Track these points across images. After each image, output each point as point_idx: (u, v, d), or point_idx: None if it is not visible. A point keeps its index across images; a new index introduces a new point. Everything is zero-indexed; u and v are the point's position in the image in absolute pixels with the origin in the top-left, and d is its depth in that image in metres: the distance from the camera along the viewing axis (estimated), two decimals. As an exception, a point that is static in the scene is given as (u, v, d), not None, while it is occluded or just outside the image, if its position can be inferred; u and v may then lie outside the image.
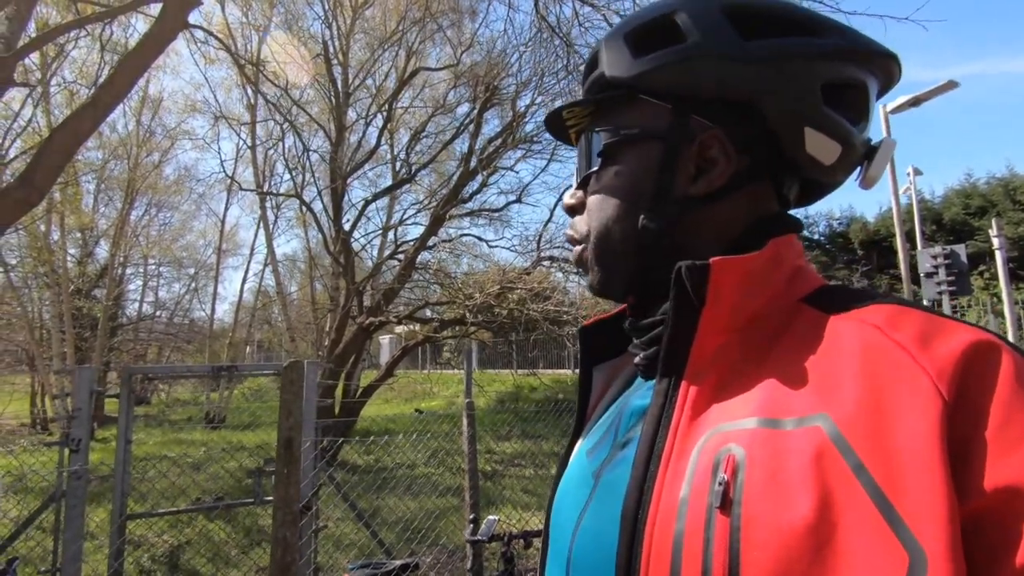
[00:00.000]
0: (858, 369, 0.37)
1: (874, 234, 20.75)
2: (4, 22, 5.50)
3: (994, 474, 0.31)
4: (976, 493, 0.32)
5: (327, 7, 10.21)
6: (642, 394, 0.50)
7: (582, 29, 6.17)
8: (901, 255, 8.77)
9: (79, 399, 2.80)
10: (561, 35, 6.11)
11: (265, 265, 15.77)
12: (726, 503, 0.36)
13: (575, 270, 8.37)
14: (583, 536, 0.46)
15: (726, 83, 0.48)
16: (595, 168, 0.53)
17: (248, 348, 19.36)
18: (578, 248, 0.55)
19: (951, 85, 6.77)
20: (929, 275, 8.03)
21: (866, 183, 0.53)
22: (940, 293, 7.88)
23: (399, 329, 12.51)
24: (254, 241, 17.00)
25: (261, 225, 13.74)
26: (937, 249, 8.19)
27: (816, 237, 22.33)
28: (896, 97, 7.36)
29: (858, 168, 0.52)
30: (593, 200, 0.53)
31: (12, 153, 10.35)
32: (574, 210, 0.56)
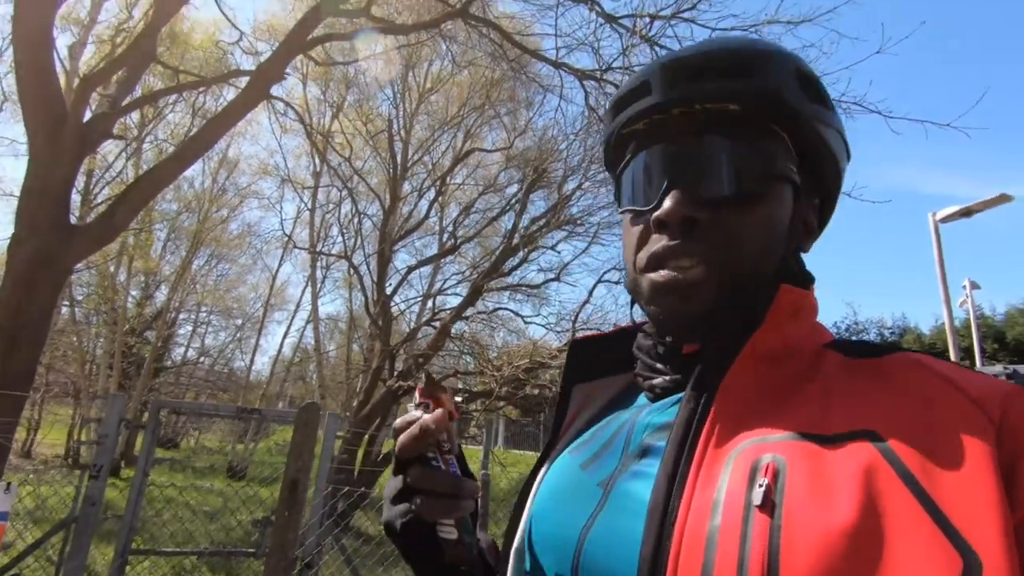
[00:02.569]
0: (905, 393, 0.40)
1: (929, 347, 19.75)
2: (114, 85, 6.25)
3: None
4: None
5: (396, 91, 11.15)
6: (657, 410, 0.50)
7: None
8: (957, 369, 8.23)
9: (107, 426, 2.89)
10: (609, 126, 6.42)
11: (308, 322, 16.27)
12: (767, 503, 0.36)
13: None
14: (594, 544, 0.44)
15: (840, 164, 0.54)
16: (750, 184, 0.48)
17: (280, 403, 19.59)
18: (690, 268, 0.47)
19: (1005, 198, 6.67)
20: (988, 393, 7.48)
21: None
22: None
23: (428, 398, 12.43)
24: (300, 298, 17.64)
25: (309, 283, 14.34)
26: (998, 368, 7.68)
27: (866, 344, 21.37)
28: (947, 206, 7.28)
29: None
30: (735, 224, 0.48)
31: (99, 199, 11.37)
32: (693, 225, 0.48)
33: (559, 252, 10.50)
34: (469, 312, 9.91)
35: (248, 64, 6.30)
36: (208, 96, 11.19)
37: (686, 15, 4.95)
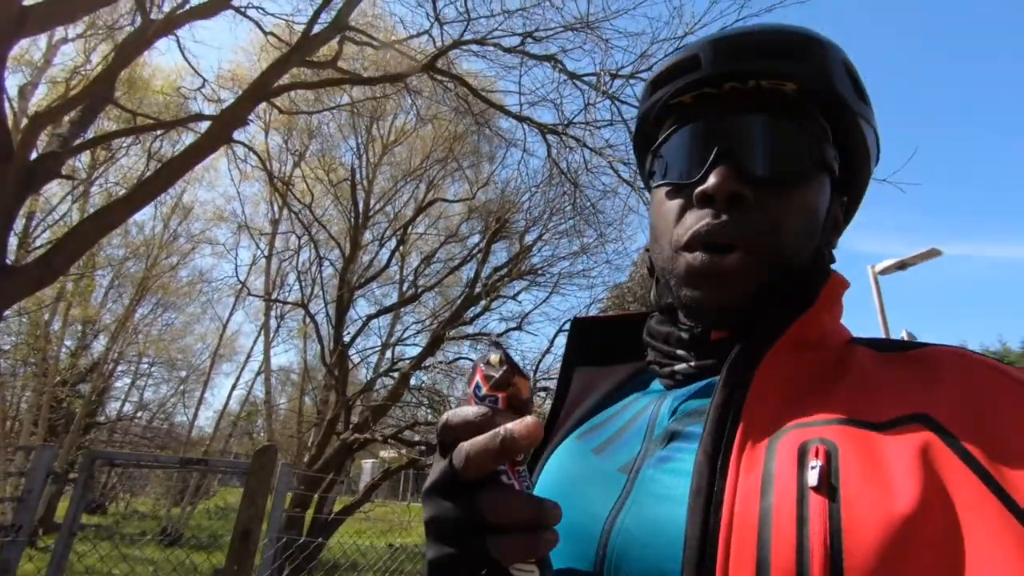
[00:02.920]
0: (953, 379, 0.40)
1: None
2: (66, 125, 6.07)
3: None
4: None
5: (360, 141, 11.26)
6: (682, 396, 0.48)
7: (589, 174, 6.72)
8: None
9: (33, 479, 2.62)
10: (570, 178, 6.64)
11: (259, 373, 15.56)
12: (822, 484, 0.34)
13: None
14: (626, 534, 0.40)
15: (871, 162, 0.54)
16: (782, 173, 0.48)
17: (224, 469, 18.38)
18: (732, 251, 0.46)
19: (934, 253, 7.17)
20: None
21: None
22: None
23: (383, 454, 11.98)
24: (252, 348, 16.91)
25: (262, 333, 13.82)
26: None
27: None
28: (884, 260, 7.76)
29: None
30: (782, 208, 0.47)
31: (39, 243, 10.80)
32: (740, 199, 0.46)
33: (520, 302, 10.58)
34: (429, 362, 9.72)
35: (210, 111, 6.26)
36: (165, 141, 11.01)
37: (644, 75, 5.27)
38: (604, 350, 0.59)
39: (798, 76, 0.48)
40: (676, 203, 0.50)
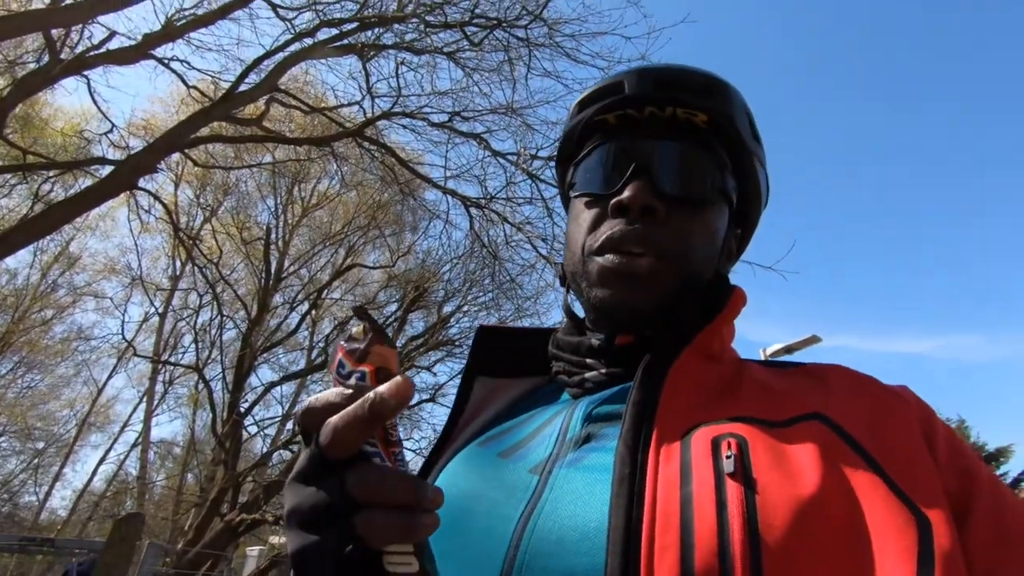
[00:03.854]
0: (838, 385, 0.47)
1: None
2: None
3: (956, 465, 0.42)
4: (945, 474, 0.41)
5: (280, 201, 11.01)
6: (596, 401, 0.49)
7: (510, 249, 6.93)
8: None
9: None
10: (491, 251, 6.80)
11: (134, 445, 13.86)
12: (738, 471, 0.37)
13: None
14: (542, 533, 0.39)
15: (761, 201, 0.60)
16: (706, 190, 0.53)
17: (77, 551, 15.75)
18: (644, 258, 0.49)
19: (815, 339, 7.95)
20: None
21: None
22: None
23: (273, 539, 10.83)
24: (129, 417, 15.03)
25: (144, 399, 12.47)
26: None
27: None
28: (772, 344, 8.45)
29: None
30: (689, 226, 0.52)
31: None
32: (652, 212, 0.50)
33: (435, 373, 10.34)
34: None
35: (116, 158, 5.93)
36: (57, 185, 10.18)
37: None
38: (508, 361, 0.59)
39: (708, 110, 0.53)
40: (592, 212, 0.54)
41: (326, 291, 10.87)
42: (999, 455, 13.25)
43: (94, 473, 14.51)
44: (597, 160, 0.56)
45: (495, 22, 5.54)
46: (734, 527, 0.34)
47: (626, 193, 0.51)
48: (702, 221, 0.53)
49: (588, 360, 0.53)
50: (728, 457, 0.38)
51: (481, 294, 9.81)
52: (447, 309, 10.22)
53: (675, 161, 0.53)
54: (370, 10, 5.98)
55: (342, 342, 0.36)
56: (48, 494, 14.76)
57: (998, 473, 13.05)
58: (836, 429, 0.41)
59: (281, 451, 9.48)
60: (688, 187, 0.53)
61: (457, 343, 10.27)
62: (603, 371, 0.51)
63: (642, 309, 0.50)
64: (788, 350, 8.26)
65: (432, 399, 10.12)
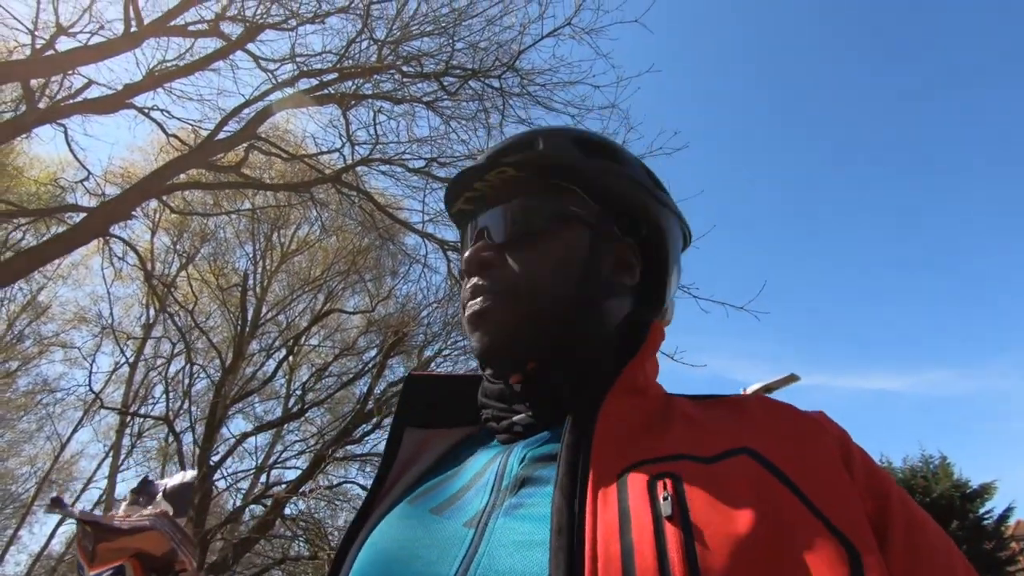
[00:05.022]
0: (763, 417, 0.48)
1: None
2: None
3: (872, 487, 0.43)
4: (864, 498, 0.42)
5: (258, 247, 10.94)
6: (530, 445, 0.49)
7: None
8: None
9: None
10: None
11: (98, 503, 13.15)
12: (675, 514, 0.37)
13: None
14: None
15: (642, 211, 0.60)
16: (530, 228, 0.56)
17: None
18: (488, 300, 0.53)
19: (793, 378, 8.00)
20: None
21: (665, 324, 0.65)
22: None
23: (244, 601, 10.24)
24: (94, 473, 14.31)
25: (111, 454, 11.92)
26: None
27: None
28: (752, 384, 8.47)
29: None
30: (524, 258, 0.55)
31: None
32: (488, 264, 0.55)
33: (415, 420, 10.09)
34: (309, 486, 8.77)
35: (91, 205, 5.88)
36: (30, 234, 10.02)
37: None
38: (439, 411, 0.59)
39: (516, 161, 0.58)
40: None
41: (304, 337, 10.69)
42: (983, 492, 13.23)
43: (52, 534, 13.68)
44: (462, 240, 0.64)
45: (470, 72, 5.73)
46: (676, 574, 0.35)
47: (464, 255, 0.57)
48: (538, 248, 0.55)
49: (515, 405, 0.54)
50: (665, 499, 0.38)
51: (461, 338, 9.73)
52: (427, 353, 10.10)
53: (503, 213, 0.58)
54: (349, 61, 6.14)
55: (76, 544, 0.31)
56: (1, 558, 13.81)
57: (982, 511, 13.02)
58: (764, 463, 0.42)
59: (252, 507, 9.07)
60: (515, 228, 0.56)
61: (438, 388, 10.09)
62: (529, 413, 0.52)
63: (501, 345, 0.53)
64: (767, 389, 8.29)
65: (412, 447, 9.85)
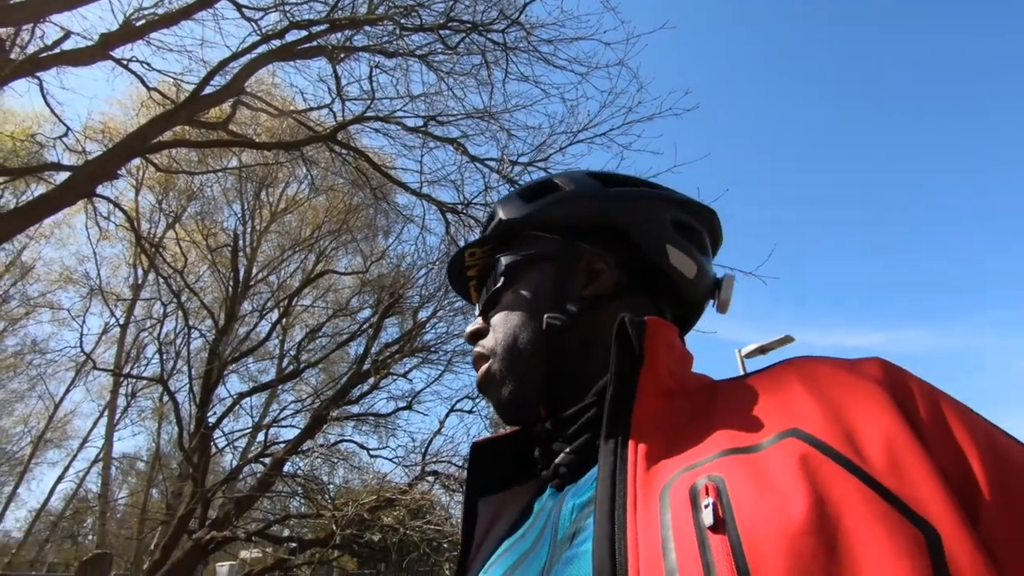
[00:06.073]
0: (806, 388, 0.42)
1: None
2: None
3: (948, 443, 0.37)
4: (938, 455, 0.36)
5: (246, 206, 10.70)
6: (576, 492, 0.49)
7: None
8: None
9: None
10: (467, 256, 6.71)
11: (95, 461, 13.28)
12: (718, 523, 0.35)
13: (455, 487, 7.81)
14: None
15: (596, 216, 0.62)
16: (497, 286, 0.61)
17: (35, 571, 14.98)
18: (485, 365, 0.59)
19: (788, 339, 8.10)
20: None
21: (721, 308, 0.65)
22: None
23: (244, 554, 10.51)
24: (89, 432, 14.33)
25: (106, 413, 11.96)
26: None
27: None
28: (748, 344, 8.59)
29: (712, 296, 0.65)
30: (498, 316, 0.60)
31: None
32: (479, 335, 0.62)
33: (411, 380, 10.19)
34: (307, 445, 8.88)
35: (72, 163, 5.64)
36: (9, 192, 9.68)
37: (540, 164, 5.63)
38: (507, 471, 0.61)
39: (475, 243, 0.66)
40: None
41: (297, 298, 10.60)
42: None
43: (51, 492, 13.85)
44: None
45: (471, 26, 5.47)
46: None
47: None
48: (506, 302, 0.61)
49: (554, 445, 0.55)
50: (707, 506, 0.36)
51: (457, 299, 9.69)
52: (422, 315, 10.07)
53: (484, 288, 0.65)
54: (341, 12, 5.83)
55: None
56: (1, 515, 14.00)
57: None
58: (813, 442, 0.38)
59: (252, 465, 9.19)
60: (488, 294, 0.63)
61: (433, 349, 10.14)
62: (567, 450, 0.53)
63: (506, 405, 0.57)
64: (762, 350, 8.42)
65: (408, 406, 9.97)
